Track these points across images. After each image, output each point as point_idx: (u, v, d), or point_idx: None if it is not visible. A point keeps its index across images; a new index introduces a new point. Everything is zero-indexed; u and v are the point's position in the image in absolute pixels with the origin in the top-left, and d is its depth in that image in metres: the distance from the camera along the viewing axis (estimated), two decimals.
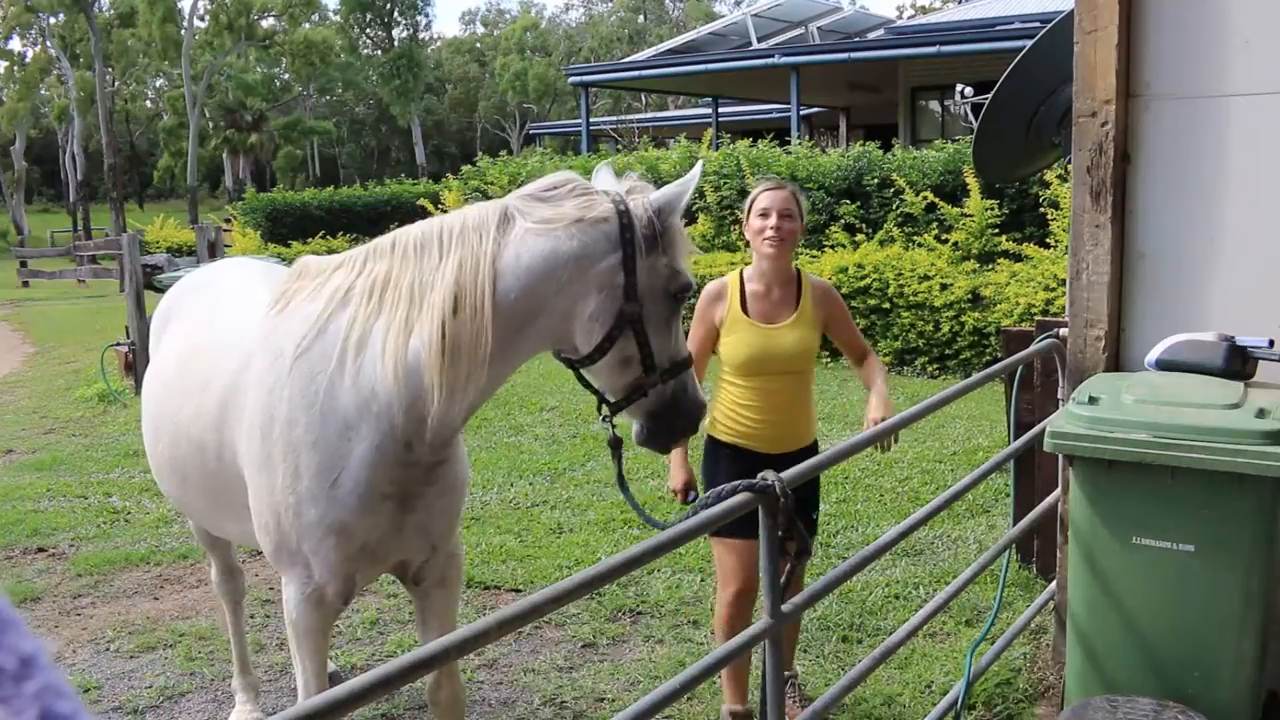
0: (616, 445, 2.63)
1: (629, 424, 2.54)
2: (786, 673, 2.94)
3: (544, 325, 2.37)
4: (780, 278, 3.34)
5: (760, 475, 2.16)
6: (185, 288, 3.43)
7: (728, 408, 3.37)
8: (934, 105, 20.92)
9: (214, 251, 11.32)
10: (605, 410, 2.50)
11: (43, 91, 48.05)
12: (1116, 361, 3.38)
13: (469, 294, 2.29)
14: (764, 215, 3.25)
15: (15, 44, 47.30)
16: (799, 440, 3.38)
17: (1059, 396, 3.60)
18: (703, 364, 3.34)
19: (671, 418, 2.49)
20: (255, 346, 2.54)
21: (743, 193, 11.53)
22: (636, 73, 22.46)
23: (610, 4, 70.46)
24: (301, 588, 2.53)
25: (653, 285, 2.39)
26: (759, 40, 23.24)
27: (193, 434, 2.76)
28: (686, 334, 2.90)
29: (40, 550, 5.61)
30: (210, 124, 45.47)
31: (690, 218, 11.68)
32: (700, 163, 2.84)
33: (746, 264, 3.41)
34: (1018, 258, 9.63)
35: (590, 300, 2.33)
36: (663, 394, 2.45)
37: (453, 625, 2.80)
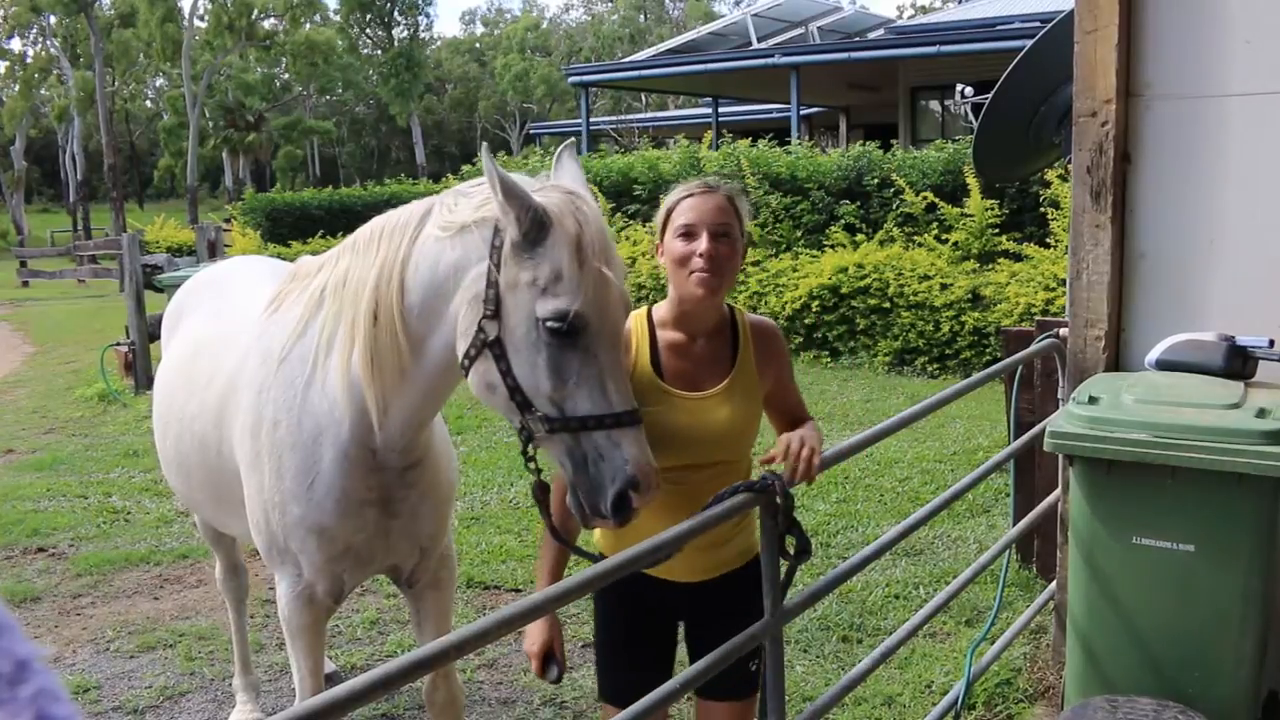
0: (538, 496, 2.13)
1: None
2: None
3: (447, 337, 2.13)
4: (708, 322, 2.28)
5: (760, 476, 2.10)
6: (198, 284, 3.49)
7: None
8: (934, 105, 20.92)
9: (214, 251, 11.32)
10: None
11: (43, 91, 48.03)
12: (1116, 361, 3.37)
13: (383, 303, 2.19)
14: (688, 235, 2.18)
15: (15, 44, 47.38)
16: (728, 559, 2.33)
17: (1059, 396, 3.60)
18: None
19: (577, 485, 1.98)
20: (250, 346, 2.57)
21: (744, 193, 11.53)
22: (636, 73, 22.46)
23: (610, 4, 70.46)
24: (292, 586, 2.55)
25: (516, 303, 1.98)
26: (759, 40, 23.23)
27: (196, 430, 2.80)
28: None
29: (40, 550, 5.61)
30: (210, 124, 45.47)
31: None
32: (577, 161, 2.24)
33: (660, 293, 2.41)
34: (1018, 258, 9.63)
35: (466, 313, 2.07)
36: (563, 447, 1.96)
37: (448, 627, 2.81)
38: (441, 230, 2.12)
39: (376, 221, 2.32)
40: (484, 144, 2.16)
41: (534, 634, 2.28)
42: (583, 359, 1.94)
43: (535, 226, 1.95)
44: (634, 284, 10.62)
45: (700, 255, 2.15)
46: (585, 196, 2.06)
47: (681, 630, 2.44)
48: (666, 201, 2.29)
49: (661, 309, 2.30)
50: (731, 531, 2.30)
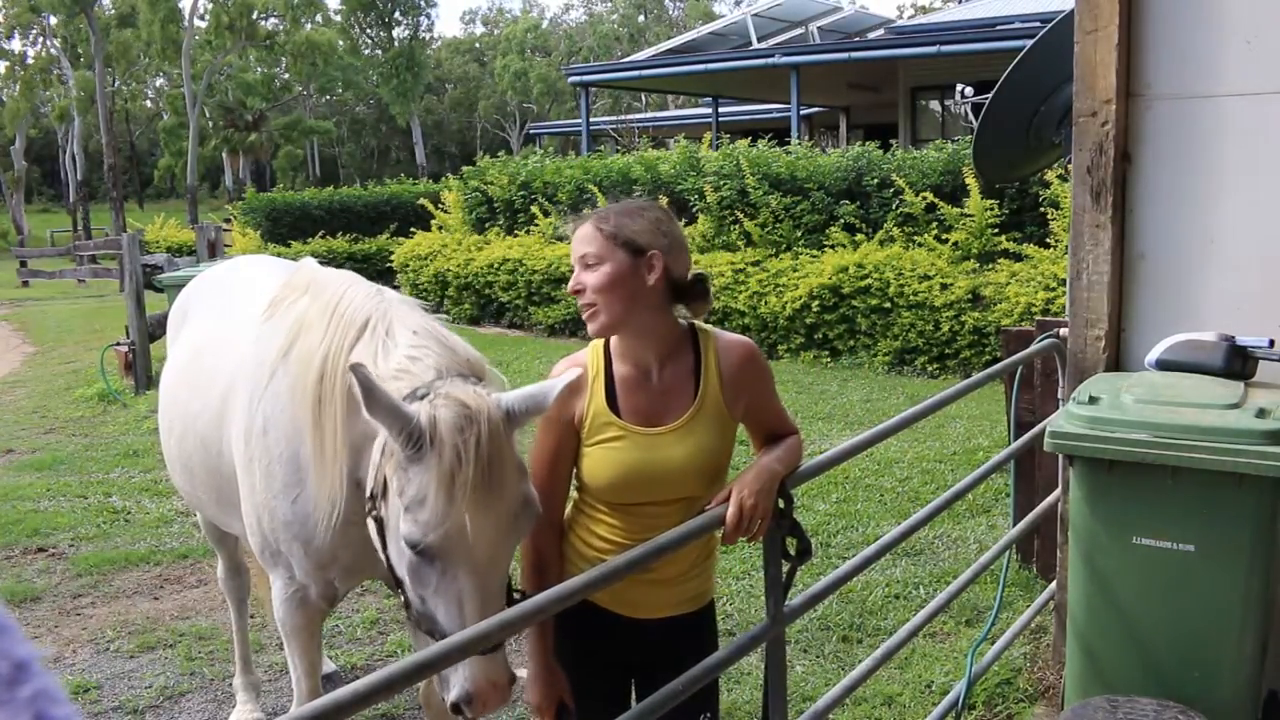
0: None
1: None
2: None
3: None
4: (659, 349, 2.11)
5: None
6: (203, 283, 3.50)
7: (581, 543, 2.18)
8: (934, 105, 20.91)
9: (214, 251, 11.32)
10: None
11: (43, 92, 48.03)
12: (1116, 361, 3.37)
13: (326, 394, 2.20)
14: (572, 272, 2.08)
15: (15, 44, 47.38)
16: (682, 600, 2.22)
17: (1059, 396, 3.60)
18: (558, 498, 2.17)
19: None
20: (247, 350, 2.57)
21: (743, 192, 11.52)
22: (636, 72, 22.45)
23: (610, 3, 70.45)
24: (285, 587, 2.57)
25: (391, 501, 1.94)
26: (759, 40, 23.22)
27: (198, 430, 2.82)
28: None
29: (40, 550, 5.61)
30: (210, 124, 45.47)
31: (690, 217, 11.65)
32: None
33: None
34: (1018, 258, 9.63)
35: (371, 467, 2.05)
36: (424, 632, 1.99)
37: None
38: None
39: (337, 291, 2.31)
40: (355, 367, 1.84)
41: (541, 689, 2.15)
42: (440, 578, 1.87)
43: (413, 445, 1.84)
44: None
45: (574, 292, 2.04)
46: (487, 418, 1.86)
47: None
48: None
49: (616, 340, 2.15)
50: (691, 568, 2.19)
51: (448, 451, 1.81)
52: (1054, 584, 3.69)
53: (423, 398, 1.91)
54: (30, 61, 46.58)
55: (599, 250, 2.03)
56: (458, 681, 1.88)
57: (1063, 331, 3.54)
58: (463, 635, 1.56)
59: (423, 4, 51.20)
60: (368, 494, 2.05)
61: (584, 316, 2.05)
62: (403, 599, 2.00)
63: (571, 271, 2.07)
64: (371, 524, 2.05)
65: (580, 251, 2.04)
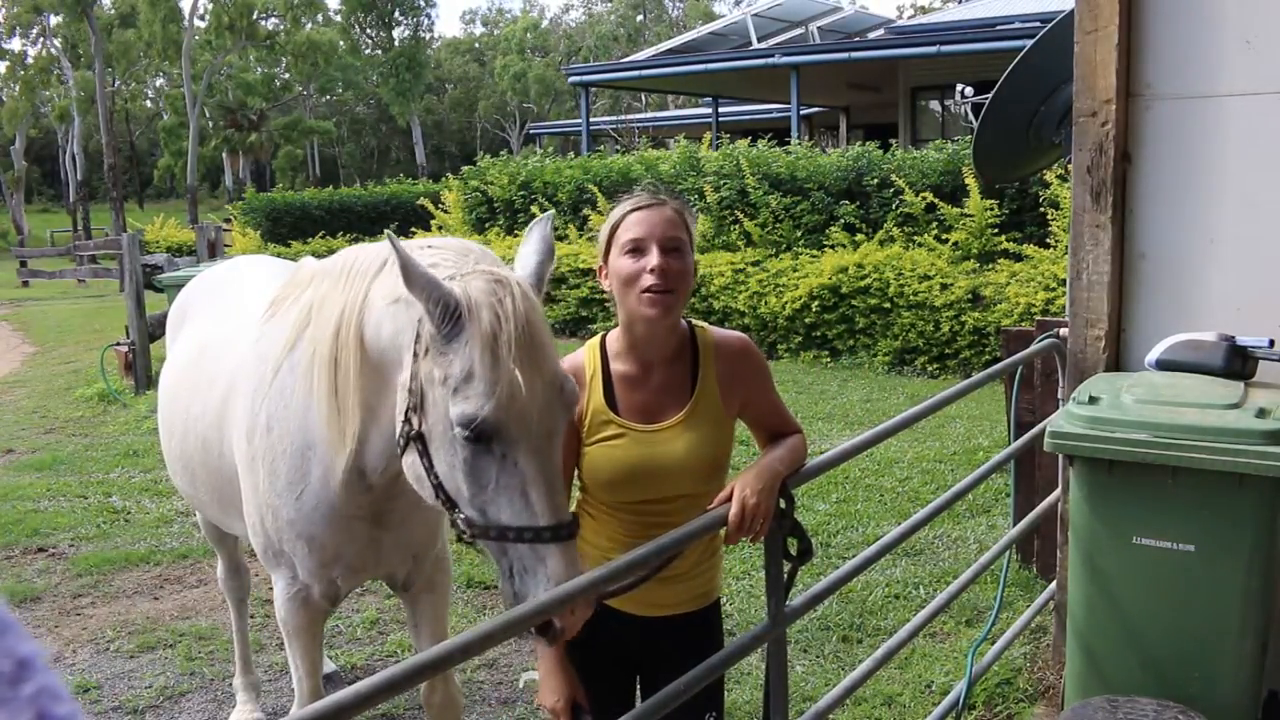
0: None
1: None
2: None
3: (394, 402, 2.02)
4: (664, 348, 2.12)
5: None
6: (202, 284, 3.49)
7: (585, 543, 2.14)
8: (934, 105, 20.92)
9: (214, 251, 11.34)
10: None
11: (43, 91, 48.02)
12: (1117, 361, 3.38)
13: (341, 354, 2.13)
14: (636, 252, 2.02)
15: (16, 43, 47.39)
16: (685, 599, 2.22)
17: (1059, 396, 3.60)
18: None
19: (503, 595, 1.85)
20: (248, 350, 2.57)
21: (743, 192, 11.52)
22: (636, 73, 22.46)
23: (609, 3, 70.45)
24: (288, 587, 2.57)
25: (434, 400, 1.85)
26: (759, 40, 23.23)
27: (199, 431, 2.82)
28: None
29: (40, 550, 5.61)
30: (210, 124, 45.48)
31: None
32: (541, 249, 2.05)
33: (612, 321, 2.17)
34: (1018, 258, 9.64)
35: (400, 396, 1.95)
36: (490, 552, 1.86)
37: (444, 629, 2.82)
38: (383, 298, 2.03)
39: (348, 255, 2.26)
40: (388, 231, 1.87)
41: (555, 687, 2.09)
42: (500, 466, 1.78)
43: (449, 320, 1.80)
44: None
45: (651, 271, 1.98)
46: (516, 284, 1.87)
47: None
48: (610, 217, 2.11)
49: (614, 338, 2.15)
50: (695, 566, 2.19)
51: (485, 314, 1.79)
52: (1054, 584, 3.69)
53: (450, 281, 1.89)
54: (30, 61, 46.56)
55: (685, 239, 2.06)
56: (540, 588, 1.76)
57: (1063, 331, 3.54)
58: (473, 632, 1.55)
59: (423, 4, 51.23)
60: (401, 416, 1.93)
61: (650, 300, 1.99)
62: (459, 521, 1.86)
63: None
64: (413, 452, 1.92)
65: (668, 234, 2.02)
